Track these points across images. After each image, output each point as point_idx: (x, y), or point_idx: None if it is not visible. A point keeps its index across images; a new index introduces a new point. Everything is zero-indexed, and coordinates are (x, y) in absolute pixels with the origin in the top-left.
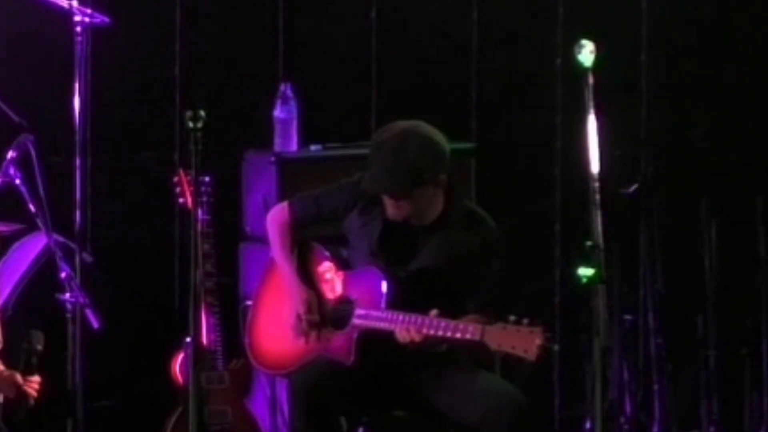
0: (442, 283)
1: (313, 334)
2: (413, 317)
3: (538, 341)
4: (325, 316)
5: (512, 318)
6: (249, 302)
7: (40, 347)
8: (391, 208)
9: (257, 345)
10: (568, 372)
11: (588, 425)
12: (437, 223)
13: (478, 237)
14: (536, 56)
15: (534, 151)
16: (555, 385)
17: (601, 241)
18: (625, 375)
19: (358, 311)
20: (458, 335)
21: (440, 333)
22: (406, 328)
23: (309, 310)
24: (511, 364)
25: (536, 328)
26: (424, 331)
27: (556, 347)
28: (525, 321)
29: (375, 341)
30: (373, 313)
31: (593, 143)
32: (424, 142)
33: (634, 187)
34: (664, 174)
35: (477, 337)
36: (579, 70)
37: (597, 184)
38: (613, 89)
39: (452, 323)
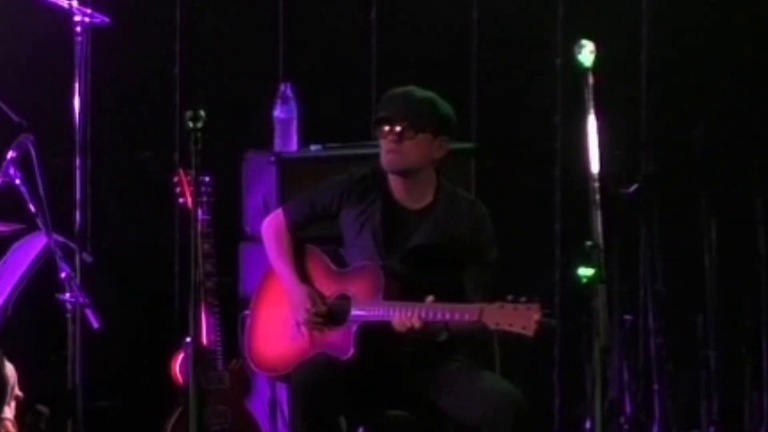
0: (437, 264)
1: (320, 328)
2: (410, 305)
3: (536, 317)
4: (324, 313)
5: (510, 297)
6: (247, 312)
7: (42, 427)
8: (388, 154)
9: (257, 349)
10: (568, 372)
11: (588, 425)
12: (431, 206)
13: (471, 218)
14: (536, 56)
15: (534, 151)
16: (555, 385)
17: (601, 241)
18: (625, 375)
19: (356, 305)
20: (456, 317)
21: (438, 317)
22: (405, 314)
23: (315, 303)
24: (511, 342)
25: (533, 305)
26: (423, 315)
27: (553, 322)
28: (522, 299)
29: (374, 335)
30: (370, 306)
31: (593, 143)
32: (438, 97)
33: (634, 187)
34: (664, 174)
35: (475, 318)
36: (579, 70)
37: (597, 184)
38: (613, 89)
39: (449, 306)
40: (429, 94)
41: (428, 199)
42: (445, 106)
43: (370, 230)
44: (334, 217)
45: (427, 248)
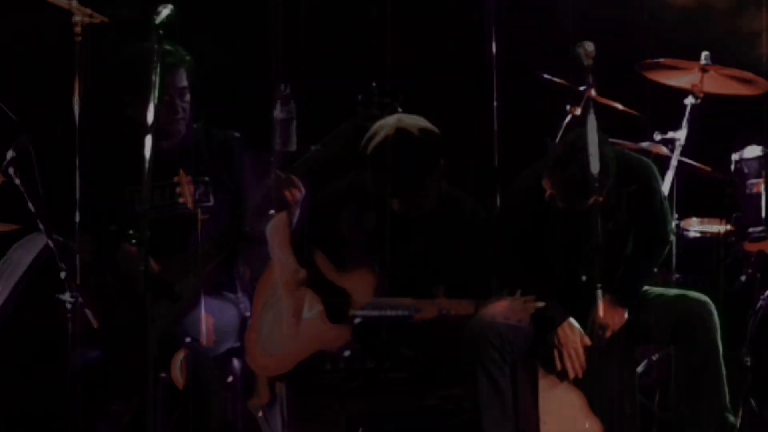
0: (435, 266)
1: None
2: (409, 302)
3: (531, 311)
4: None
5: (506, 291)
6: (248, 313)
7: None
8: (399, 205)
9: (257, 351)
10: None
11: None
12: (432, 212)
13: (467, 219)
14: (536, 56)
15: (534, 152)
16: None
17: (601, 241)
18: None
19: (353, 303)
20: (452, 311)
21: (435, 312)
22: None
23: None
24: None
25: (529, 298)
26: (421, 308)
27: (549, 314)
28: (518, 293)
29: (371, 332)
30: (367, 303)
31: (593, 143)
32: (420, 133)
33: (634, 187)
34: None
35: (471, 311)
36: (578, 70)
37: (597, 184)
38: (613, 89)
39: (445, 301)
40: (419, 141)
41: (429, 204)
42: (430, 137)
43: (364, 237)
44: (335, 221)
45: (424, 254)
